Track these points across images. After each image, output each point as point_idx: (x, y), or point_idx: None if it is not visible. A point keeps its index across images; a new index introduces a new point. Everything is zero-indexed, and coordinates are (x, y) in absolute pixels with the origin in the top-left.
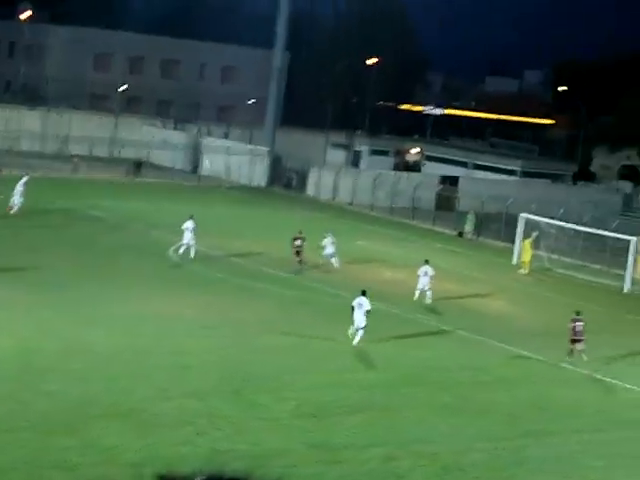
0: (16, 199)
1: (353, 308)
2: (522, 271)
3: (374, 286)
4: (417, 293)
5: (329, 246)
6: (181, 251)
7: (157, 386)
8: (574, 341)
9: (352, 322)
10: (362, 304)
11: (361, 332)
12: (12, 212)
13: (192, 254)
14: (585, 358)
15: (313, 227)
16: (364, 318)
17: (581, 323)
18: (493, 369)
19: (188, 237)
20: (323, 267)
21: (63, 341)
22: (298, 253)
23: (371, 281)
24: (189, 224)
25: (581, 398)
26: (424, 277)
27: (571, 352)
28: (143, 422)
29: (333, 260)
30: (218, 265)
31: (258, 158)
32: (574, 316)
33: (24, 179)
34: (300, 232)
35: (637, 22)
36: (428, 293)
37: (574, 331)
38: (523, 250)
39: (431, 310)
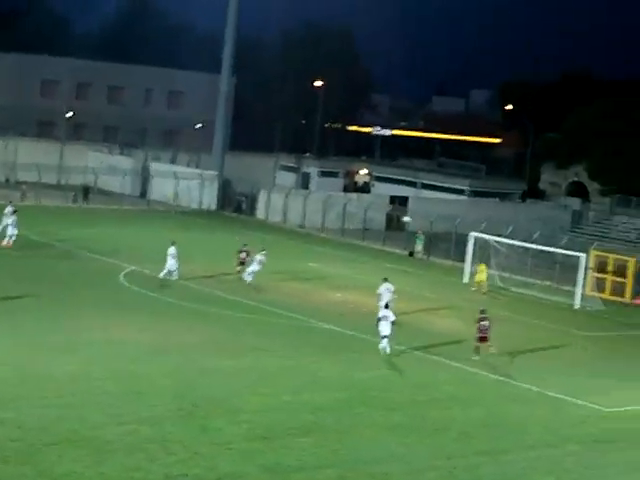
0: (9, 230)
1: (379, 320)
2: (477, 290)
3: (325, 307)
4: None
5: (255, 264)
6: (161, 275)
7: (110, 412)
8: (481, 339)
9: (378, 334)
10: (387, 316)
11: (385, 340)
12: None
13: (169, 276)
14: (494, 351)
15: (264, 248)
16: (389, 327)
17: (486, 322)
18: (445, 387)
19: (171, 263)
20: (271, 289)
21: (16, 369)
22: (242, 264)
23: (323, 302)
24: (172, 250)
25: (531, 414)
26: (387, 293)
27: (477, 349)
28: (97, 449)
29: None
30: (169, 289)
31: (207, 182)
32: (480, 315)
33: (9, 208)
34: (245, 245)
35: (581, 41)
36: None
37: (480, 329)
38: (479, 271)
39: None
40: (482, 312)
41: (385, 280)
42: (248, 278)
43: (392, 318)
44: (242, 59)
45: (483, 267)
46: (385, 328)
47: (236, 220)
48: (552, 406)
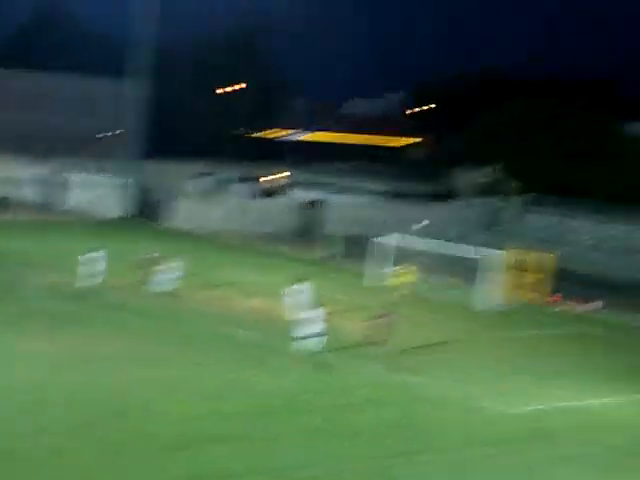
0: None
1: (303, 321)
2: (397, 293)
3: (241, 314)
4: (289, 311)
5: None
6: (78, 285)
7: (20, 426)
8: (378, 336)
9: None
10: (312, 316)
11: (314, 339)
12: None
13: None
14: (388, 349)
15: (178, 256)
16: (316, 326)
17: (385, 319)
18: (359, 390)
19: (100, 269)
20: (185, 297)
21: None
22: (148, 272)
23: (238, 309)
24: (100, 256)
25: (444, 416)
26: (302, 295)
27: (377, 346)
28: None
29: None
30: (82, 299)
31: (123, 190)
32: (380, 312)
33: None
34: (149, 253)
35: (492, 41)
36: (301, 313)
37: (377, 326)
38: (399, 274)
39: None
40: (383, 309)
41: (300, 281)
42: (165, 286)
43: (318, 317)
44: (156, 65)
45: (408, 270)
46: (311, 327)
47: (152, 227)
48: (464, 407)
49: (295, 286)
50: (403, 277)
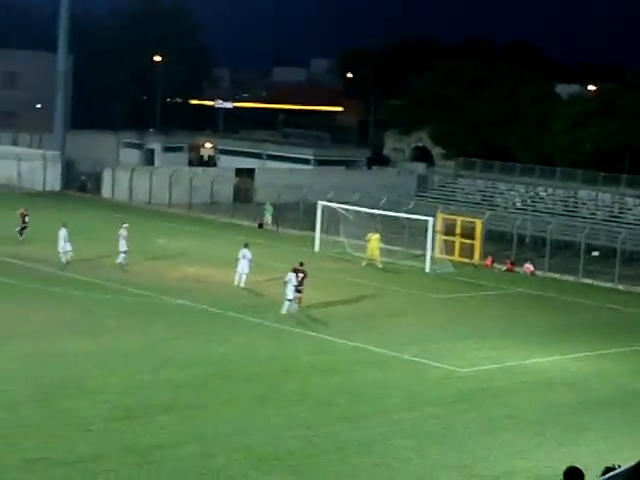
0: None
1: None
2: (369, 264)
3: (178, 283)
4: (237, 277)
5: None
6: (63, 260)
7: None
8: (297, 291)
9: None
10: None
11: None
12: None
13: (64, 260)
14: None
15: (111, 228)
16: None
17: (302, 274)
18: (302, 357)
19: (62, 245)
20: (121, 268)
21: None
22: (24, 227)
23: (175, 278)
24: (62, 232)
25: (389, 379)
26: (243, 260)
27: (298, 301)
28: None
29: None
30: (14, 272)
31: (50, 163)
32: (296, 266)
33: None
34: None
35: (418, 6)
36: (244, 277)
37: (296, 281)
38: (371, 244)
39: (238, 303)
40: (301, 264)
41: (245, 246)
42: (121, 259)
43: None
44: (77, 37)
45: (375, 237)
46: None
47: (81, 199)
48: (410, 369)
49: (242, 249)
50: (372, 244)
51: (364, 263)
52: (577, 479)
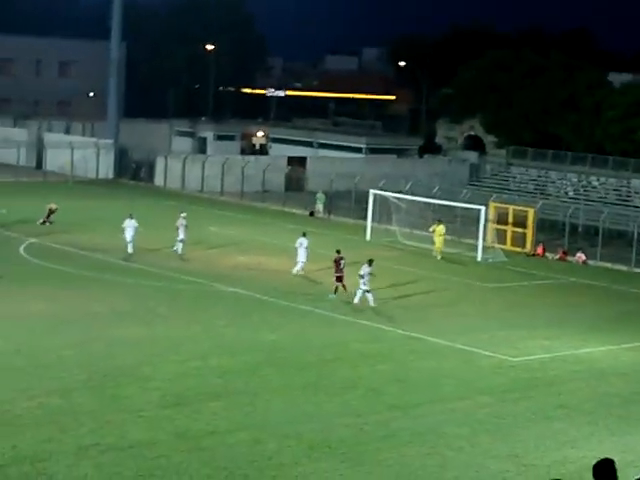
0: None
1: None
2: (437, 256)
3: (230, 271)
4: (298, 266)
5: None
6: (130, 250)
7: (17, 387)
8: (338, 278)
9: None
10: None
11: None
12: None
13: (130, 250)
14: (346, 292)
15: (165, 215)
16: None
17: (343, 261)
18: (353, 345)
19: (130, 235)
20: (175, 256)
21: None
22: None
23: (227, 266)
24: (129, 222)
25: (441, 368)
26: (300, 248)
27: (336, 289)
28: (6, 423)
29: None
30: (70, 260)
31: (103, 151)
32: (336, 255)
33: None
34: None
35: None
36: (300, 264)
37: (338, 268)
38: (436, 235)
39: (290, 291)
40: (338, 252)
41: (303, 235)
42: (179, 248)
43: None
44: (130, 25)
45: (440, 230)
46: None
47: (134, 188)
48: (461, 358)
49: (300, 238)
50: (442, 238)
51: (439, 257)
52: (607, 472)
